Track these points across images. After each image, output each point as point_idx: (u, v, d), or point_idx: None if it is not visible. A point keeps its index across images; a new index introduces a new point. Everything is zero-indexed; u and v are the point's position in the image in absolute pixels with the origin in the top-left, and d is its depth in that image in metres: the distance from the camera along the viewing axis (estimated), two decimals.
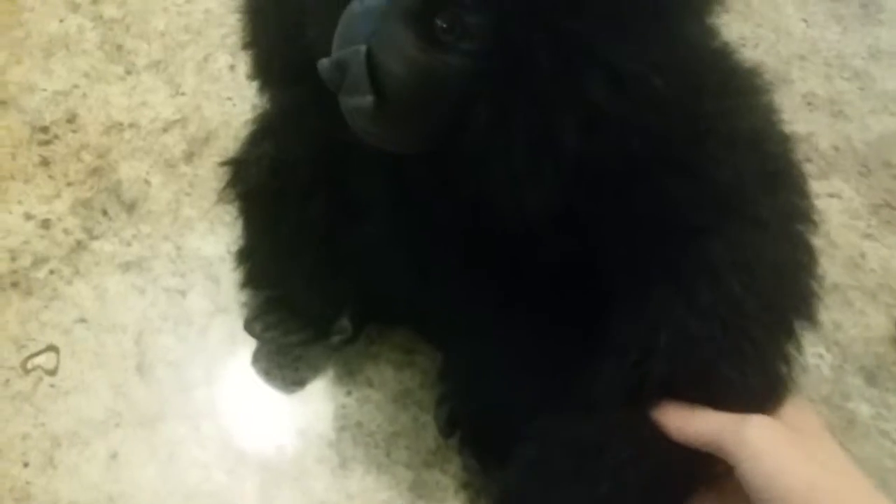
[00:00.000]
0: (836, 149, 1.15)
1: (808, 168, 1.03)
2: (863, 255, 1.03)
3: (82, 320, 0.87)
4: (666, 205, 0.55)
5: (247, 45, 0.78)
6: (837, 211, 1.07)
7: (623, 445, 0.57)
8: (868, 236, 1.05)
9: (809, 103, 1.21)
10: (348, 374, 0.86)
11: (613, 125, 0.50)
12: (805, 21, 1.34)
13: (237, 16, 0.78)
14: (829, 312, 0.95)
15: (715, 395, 0.54)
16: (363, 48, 0.51)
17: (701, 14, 0.55)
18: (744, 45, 1.27)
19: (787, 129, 0.62)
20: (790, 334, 0.57)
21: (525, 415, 0.72)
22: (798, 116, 1.17)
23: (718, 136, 0.56)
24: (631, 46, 0.48)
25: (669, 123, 0.52)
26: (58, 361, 0.84)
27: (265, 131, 0.79)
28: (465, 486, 0.80)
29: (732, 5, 0.59)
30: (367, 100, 0.51)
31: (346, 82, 0.52)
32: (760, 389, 0.55)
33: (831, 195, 1.08)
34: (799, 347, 0.57)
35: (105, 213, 0.95)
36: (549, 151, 0.51)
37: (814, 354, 0.91)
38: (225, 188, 0.82)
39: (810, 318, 0.58)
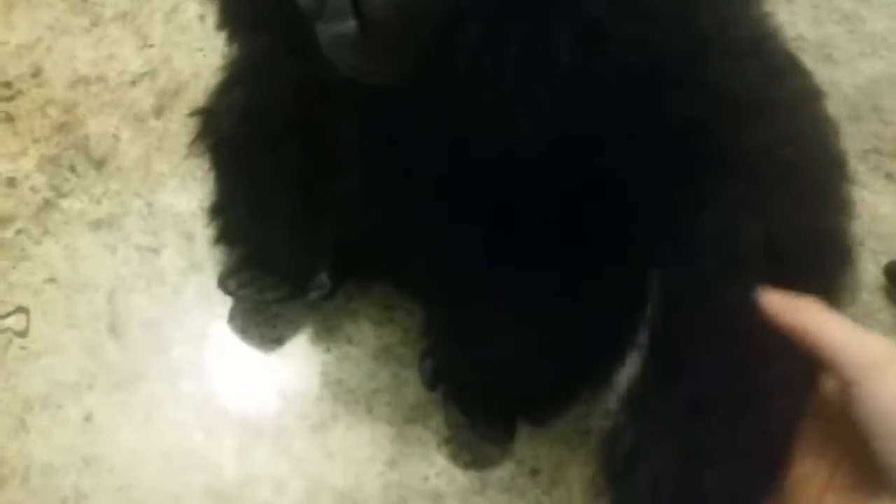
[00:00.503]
0: (825, 94, 1.13)
1: None
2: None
3: (52, 280, 0.85)
4: (683, 121, 0.53)
5: None
6: None
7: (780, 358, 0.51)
8: (857, 183, 1.03)
9: (798, 47, 1.18)
10: (327, 331, 0.85)
11: (609, 38, 0.48)
12: None
13: None
14: None
15: (807, 249, 0.52)
16: None
17: None
18: None
19: None
20: (846, 184, 0.56)
21: (511, 365, 0.71)
22: None
23: (720, 48, 0.54)
24: None
25: (667, 37, 0.49)
26: (28, 323, 0.82)
27: (235, 79, 0.76)
28: (447, 440, 0.79)
29: None
30: (350, 25, 0.48)
31: (326, 10, 0.49)
32: (839, 237, 0.54)
33: None
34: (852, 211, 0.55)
35: (73, 169, 0.92)
36: (541, 69, 0.48)
37: None
38: (195, 140, 0.79)
39: (848, 181, 0.57)
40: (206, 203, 0.87)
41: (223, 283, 0.81)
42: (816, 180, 0.54)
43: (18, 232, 0.87)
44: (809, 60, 1.19)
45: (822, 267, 0.53)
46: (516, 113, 0.51)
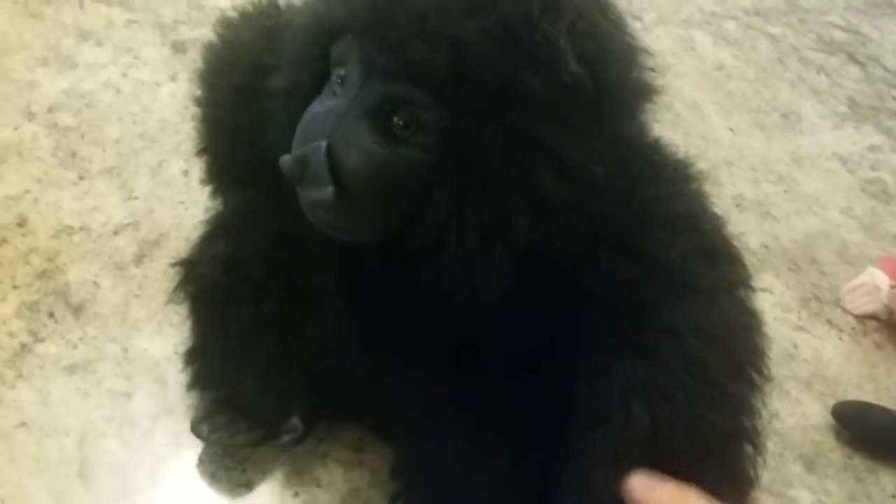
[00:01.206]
0: (766, 247, 1.21)
1: None
2: (796, 346, 1.07)
3: (23, 424, 0.85)
4: (617, 284, 0.58)
5: (201, 151, 0.81)
6: (770, 305, 1.12)
7: None
8: (799, 328, 1.10)
9: (738, 205, 1.28)
10: (296, 475, 0.86)
11: (560, 209, 0.54)
12: (731, 130, 1.44)
13: (192, 124, 0.82)
14: (767, 402, 0.98)
15: (697, 444, 0.55)
16: (324, 144, 0.54)
17: (634, 112, 0.61)
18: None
19: None
20: (751, 386, 0.60)
21: None
22: (728, 217, 1.23)
23: (658, 220, 0.60)
24: (573, 138, 0.53)
25: (612, 208, 0.56)
26: None
27: (218, 231, 0.81)
28: None
29: (662, 116, 0.65)
30: (328, 192, 0.54)
31: (307, 176, 0.55)
32: (734, 435, 0.57)
33: (763, 290, 1.14)
34: (762, 400, 0.60)
35: (51, 315, 0.95)
36: (501, 234, 0.54)
37: None
38: (176, 288, 0.83)
39: (763, 372, 0.61)
40: (182, 348, 0.89)
41: (196, 428, 0.82)
42: (716, 376, 0.57)
43: None
44: (751, 217, 1.30)
45: (716, 460, 0.56)
46: (477, 271, 0.56)
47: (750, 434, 0.59)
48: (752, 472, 0.59)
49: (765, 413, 0.62)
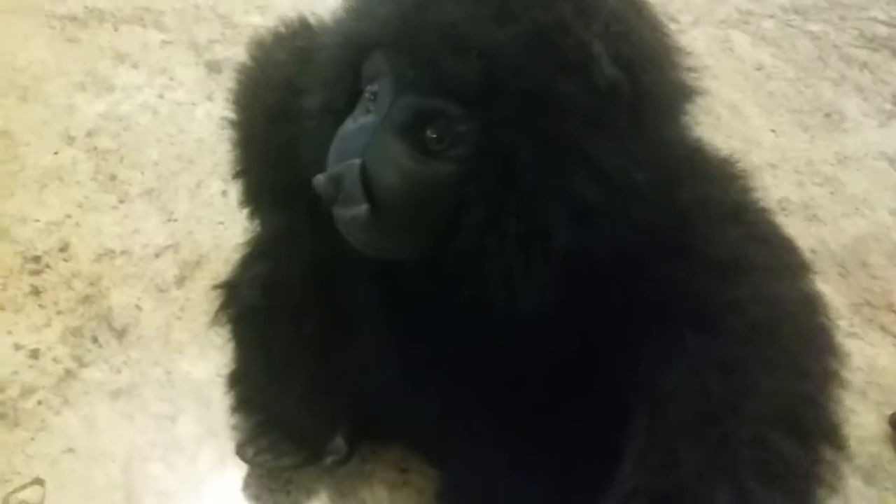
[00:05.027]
0: (814, 251, 1.18)
1: None
2: (848, 354, 1.04)
3: (70, 450, 0.85)
4: (665, 285, 0.57)
5: (238, 174, 0.81)
6: None
7: None
8: (852, 335, 1.07)
9: (784, 209, 1.25)
10: (341, 497, 0.85)
11: (600, 218, 0.52)
12: (773, 131, 1.40)
13: (228, 145, 0.81)
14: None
15: (776, 412, 0.54)
16: (357, 161, 0.53)
17: (674, 114, 0.59)
18: None
19: None
20: (825, 365, 0.58)
21: None
22: None
23: (701, 216, 0.58)
24: (611, 144, 0.52)
25: (653, 213, 0.54)
26: (43, 495, 0.82)
27: (257, 253, 0.81)
28: None
29: (702, 118, 0.63)
30: (363, 209, 0.53)
31: (341, 195, 0.54)
32: (812, 404, 0.56)
33: None
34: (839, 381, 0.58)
35: (95, 340, 0.95)
36: (540, 246, 0.53)
37: None
38: (218, 311, 0.83)
39: (835, 352, 0.59)
40: (225, 370, 0.89)
41: (241, 451, 0.82)
42: (788, 344, 0.56)
43: (39, 403, 0.89)
44: (796, 220, 1.26)
45: (794, 425, 0.54)
46: (517, 284, 0.55)
47: (823, 404, 0.57)
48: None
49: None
